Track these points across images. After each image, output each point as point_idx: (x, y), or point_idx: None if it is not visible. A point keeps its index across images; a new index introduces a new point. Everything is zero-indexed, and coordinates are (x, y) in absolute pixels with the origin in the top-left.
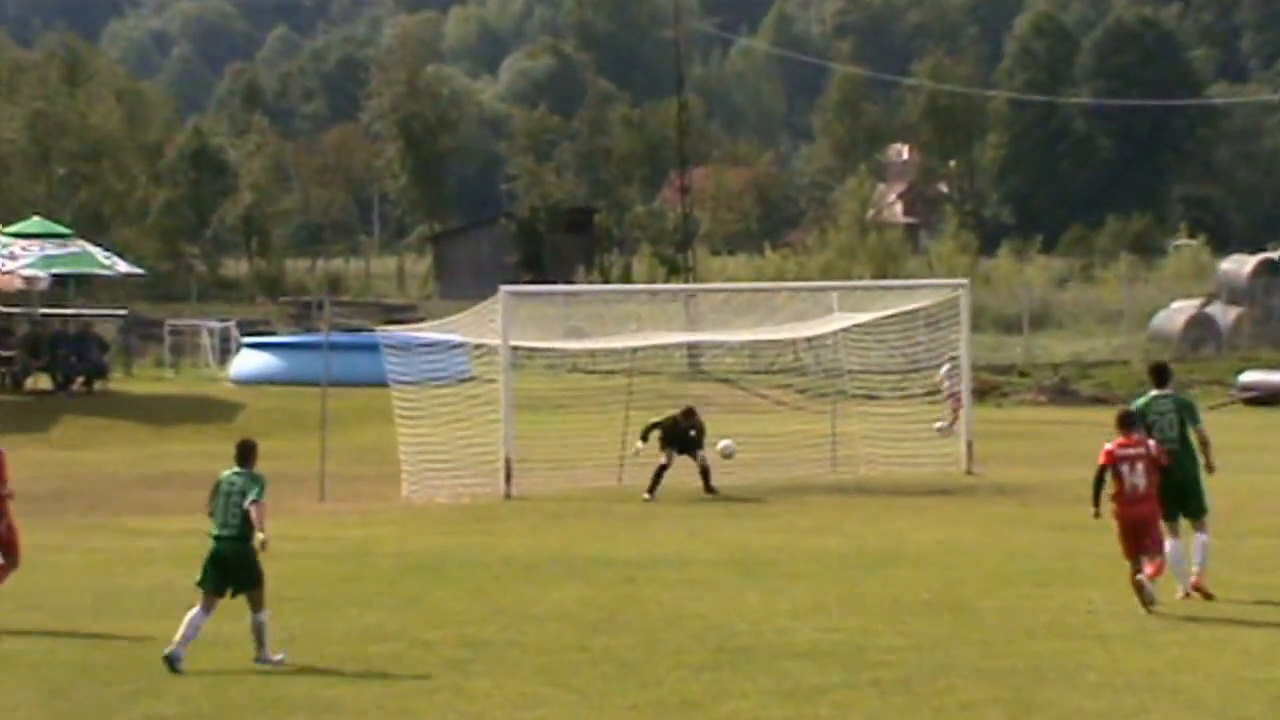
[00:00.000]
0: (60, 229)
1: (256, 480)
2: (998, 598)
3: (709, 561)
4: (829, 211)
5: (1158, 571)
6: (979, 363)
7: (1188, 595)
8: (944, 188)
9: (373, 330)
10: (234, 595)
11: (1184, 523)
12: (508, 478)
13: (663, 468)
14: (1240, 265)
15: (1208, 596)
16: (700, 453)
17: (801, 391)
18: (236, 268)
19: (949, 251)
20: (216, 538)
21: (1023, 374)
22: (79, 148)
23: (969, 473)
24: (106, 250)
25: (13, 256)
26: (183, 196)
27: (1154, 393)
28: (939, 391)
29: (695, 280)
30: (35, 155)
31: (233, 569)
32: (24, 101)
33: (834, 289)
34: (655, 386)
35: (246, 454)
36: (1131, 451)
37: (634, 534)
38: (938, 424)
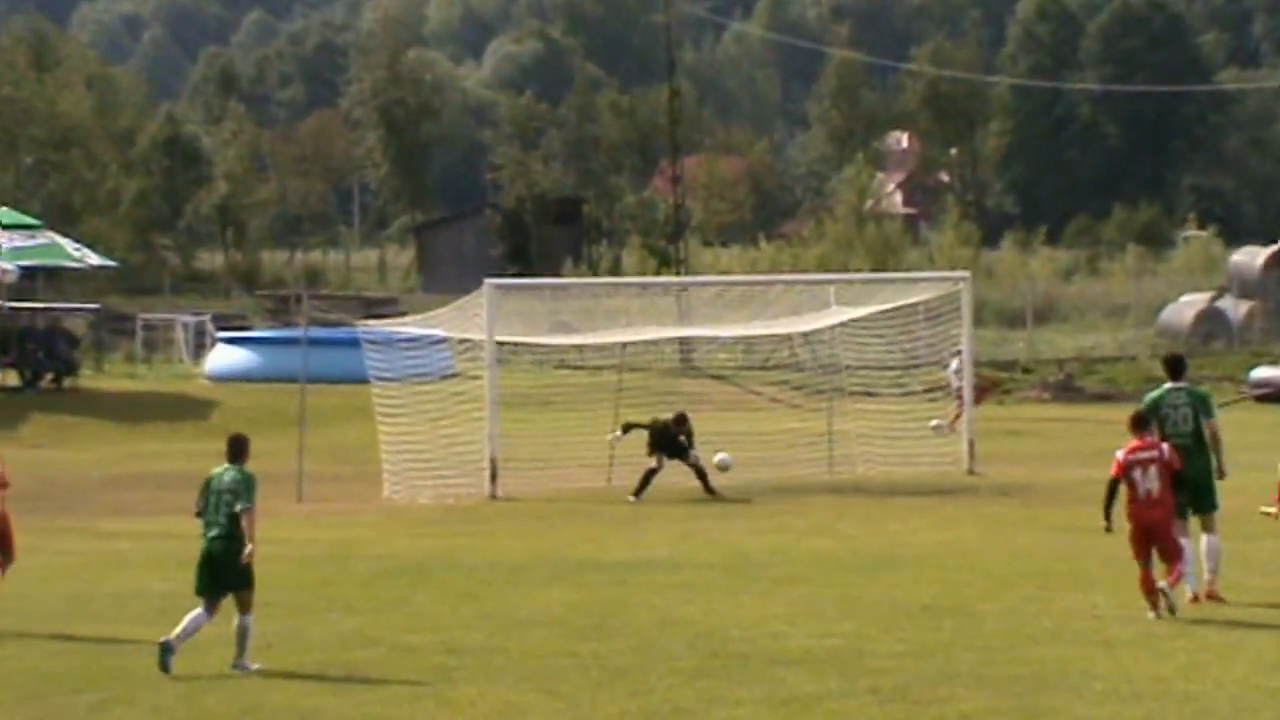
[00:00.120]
0: (28, 220)
1: (248, 482)
2: (1000, 602)
3: (701, 564)
4: (825, 202)
5: (1178, 580)
6: (980, 358)
7: (1197, 599)
8: (945, 177)
9: (353, 324)
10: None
11: (1192, 523)
12: (493, 478)
13: (652, 471)
14: (1252, 257)
15: (1219, 601)
16: (693, 453)
17: (797, 388)
18: (211, 260)
19: (950, 243)
20: (207, 538)
21: (1026, 370)
22: (47, 135)
23: (970, 472)
24: (76, 242)
25: None
26: (155, 186)
27: (1169, 385)
28: (947, 387)
29: (687, 273)
30: (2, 143)
31: (223, 568)
32: None
33: (831, 282)
34: (646, 383)
35: (238, 449)
36: (1144, 455)
37: (624, 536)
38: (933, 422)
